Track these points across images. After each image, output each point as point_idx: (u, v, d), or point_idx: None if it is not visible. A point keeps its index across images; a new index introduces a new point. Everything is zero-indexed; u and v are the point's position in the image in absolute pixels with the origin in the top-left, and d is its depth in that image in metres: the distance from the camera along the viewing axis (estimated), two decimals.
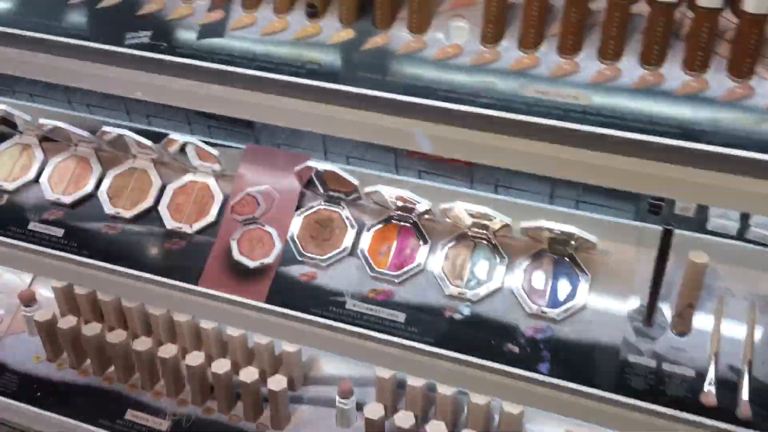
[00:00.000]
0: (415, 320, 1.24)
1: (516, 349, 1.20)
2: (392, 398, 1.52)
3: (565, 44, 0.96)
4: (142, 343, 1.58)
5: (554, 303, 1.21)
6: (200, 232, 1.38)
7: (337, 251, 1.31)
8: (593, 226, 1.24)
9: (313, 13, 1.05)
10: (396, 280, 1.27)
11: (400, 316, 1.25)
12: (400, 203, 1.30)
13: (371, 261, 1.29)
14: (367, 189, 1.27)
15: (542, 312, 1.21)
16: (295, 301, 1.29)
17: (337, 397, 1.52)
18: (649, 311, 1.16)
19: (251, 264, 1.33)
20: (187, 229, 1.38)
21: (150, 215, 1.41)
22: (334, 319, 1.27)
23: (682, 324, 1.16)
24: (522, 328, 1.21)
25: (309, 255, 1.32)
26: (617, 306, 1.20)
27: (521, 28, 0.98)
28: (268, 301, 1.30)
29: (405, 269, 1.28)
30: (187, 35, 1.08)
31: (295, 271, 1.32)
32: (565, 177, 0.95)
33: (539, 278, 1.24)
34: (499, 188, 1.34)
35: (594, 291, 1.21)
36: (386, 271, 1.28)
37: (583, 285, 1.22)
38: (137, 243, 1.39)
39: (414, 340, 1.23)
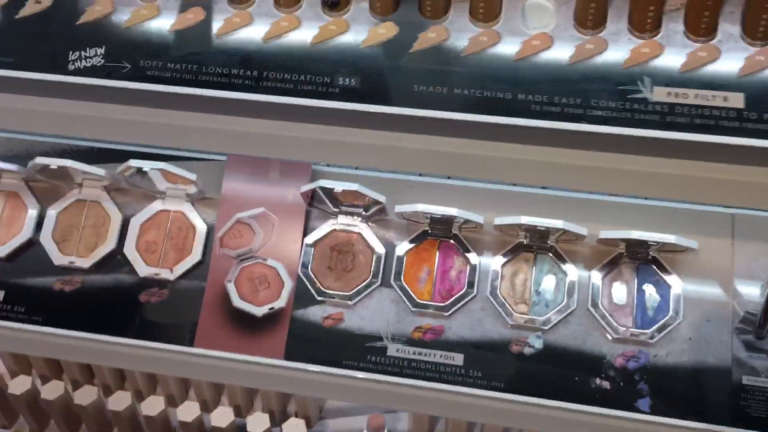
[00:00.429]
0: (477, 361, 1.01)
1: (606, 385, 0.99)
2: (429, 424, 1.31)
3: (697, 21, 0.70)
4: (120, 401, 1.30)
5: (643, 321, 1.00)
6: (184, 276, 1.09)
7: (364, 283, 1.05)
8: (671, 217, 1.03)
9: (334, 3, 0.76)
10: (445, 313, 1.03)
11: (457, 358, 1.02)
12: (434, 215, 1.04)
13: (410, 291, 1.04)
14: (400, 209, 1.01)
15: (631, 334, 0.99)
16: (322, 352, 1.04)
17: None
18: (764, 320, 0.97)
19: (258, 311, 1.06)
20: (167, 274, 1.09)
21: (114, 260, 1.11)
22: (375, 371, 1.02)
23: None
24: (610, 358, 1.00)
25: (330, 292, 1.06)
26: (719, 316, 1.00)
27: (634, 3, 0.71)
28: (287, 357, 1.04)
29: (454, 297, 1.04)
30: (157, 48, 0.77)
31: (315, 314, 1.06)
32: (724, 204, 0.71)
33: (620, 291, 1.02)
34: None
35: (688, 300, 1.01)
36: (431, 303, 1.04)
37: (675, 294, 1.01)
38: (104, 300, 1.09)
39: (478, 386, 1.00)
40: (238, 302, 1.06)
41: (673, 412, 0.96)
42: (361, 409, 1.37)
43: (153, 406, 1.29)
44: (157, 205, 1.12)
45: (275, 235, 1.08)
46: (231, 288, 1.07)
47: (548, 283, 1.03)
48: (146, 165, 1.04)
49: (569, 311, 1.01)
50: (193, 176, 1.05)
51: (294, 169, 1.09)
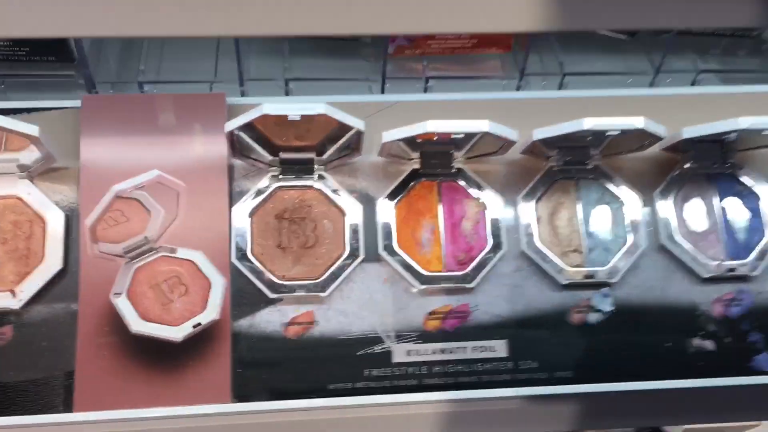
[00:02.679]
0: (526, 346, 0.68)
1: (709, 345, 0.70)
2: None
3: None
4: None
5: (737, 248, 0.72)
6: (37, 299, 0.66)
7: (338, 262, 0.68)
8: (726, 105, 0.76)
9: None
10: (467, 285, 0.69)
11: (498, 347, 0.68)
12: (422, 145, 0.69)
13: (412, 262, 0.69)
14: (389, 136, 0.64)
15: (727, 269, 0.71)
16: (291, 379, 0.66)
17: None
18: None
19: (175, 333, 0.65)
20: (8, 300, 0.65)
21: None
22: (380, 391, 0.66)
23: None
24: (704, 306, 0.71)
25: (289, 283, 0.68)
26: None
27: None
28: (238, 398, 0.65)
29: (477, 260, 0.69)
30: None
31: (269, 321, 0.67)
32: None
33: (696, 213, 0.73)
34: (567, 78, 0.79)
35: None
36: (445, 273, 0.69)
37: (766, 205, 0.74)
38: None
39: (536, 383, 0.67)
40: (138, 326, 0.64)
41: None
42: None
43: None
44: None
45: (182, 212, 0.68)
46: (123, 305, 0.65)
47: (599, 216, 0.72)
48: None
49: (638, 252, 0.71)
50: (33, 129, 0.62)
51: (199, 102, 0.69)
